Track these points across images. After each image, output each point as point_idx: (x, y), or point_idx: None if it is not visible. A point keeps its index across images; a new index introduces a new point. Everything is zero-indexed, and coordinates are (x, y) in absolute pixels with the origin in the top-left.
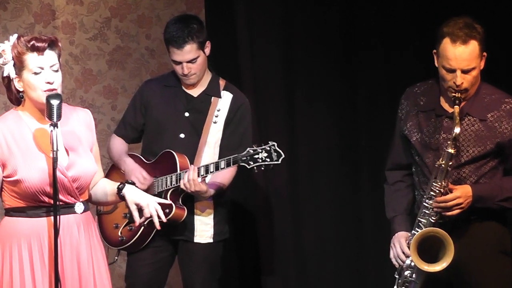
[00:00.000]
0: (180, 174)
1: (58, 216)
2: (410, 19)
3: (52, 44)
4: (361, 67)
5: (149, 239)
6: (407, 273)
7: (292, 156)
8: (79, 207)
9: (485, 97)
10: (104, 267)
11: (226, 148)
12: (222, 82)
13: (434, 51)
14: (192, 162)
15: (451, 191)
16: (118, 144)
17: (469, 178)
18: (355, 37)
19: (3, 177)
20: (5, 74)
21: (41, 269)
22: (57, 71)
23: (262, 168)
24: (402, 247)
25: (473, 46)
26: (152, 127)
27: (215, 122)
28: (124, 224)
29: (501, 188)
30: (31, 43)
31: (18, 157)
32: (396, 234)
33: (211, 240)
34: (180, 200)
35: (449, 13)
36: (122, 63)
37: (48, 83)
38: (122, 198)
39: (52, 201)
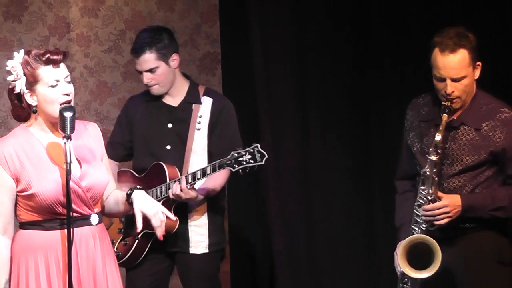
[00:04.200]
0: (169, 184)
1: (72, 228)
2: (424, 37)
3: (65, 56)
4: (374, 83)
5: (144, 252)
6: (404, 280)
7: (305, 164)
8: (94, 218)
9: (482, 106)
10: (117, 276)
11: (217, 153)
12: (201, 89)
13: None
14: (181, 172)
15: (439, 198)
16: None
17: (464, 188)
18: (368, 53)
19: (17, 192)
20: (17, 91)
21: (58, 282)
22: (70, 82)
23: (247, 170)
24: None
25: (462, 54)
26: (139, 142)
27: (198, 129)
28: (119, 239)
29: (492, 198)
30: (46, 56)
31: (31, 171)
32: (399, 243)
33: (206, 251)
34: (172, 211)
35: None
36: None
37: (66, 94)
38: (132, 204)
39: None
